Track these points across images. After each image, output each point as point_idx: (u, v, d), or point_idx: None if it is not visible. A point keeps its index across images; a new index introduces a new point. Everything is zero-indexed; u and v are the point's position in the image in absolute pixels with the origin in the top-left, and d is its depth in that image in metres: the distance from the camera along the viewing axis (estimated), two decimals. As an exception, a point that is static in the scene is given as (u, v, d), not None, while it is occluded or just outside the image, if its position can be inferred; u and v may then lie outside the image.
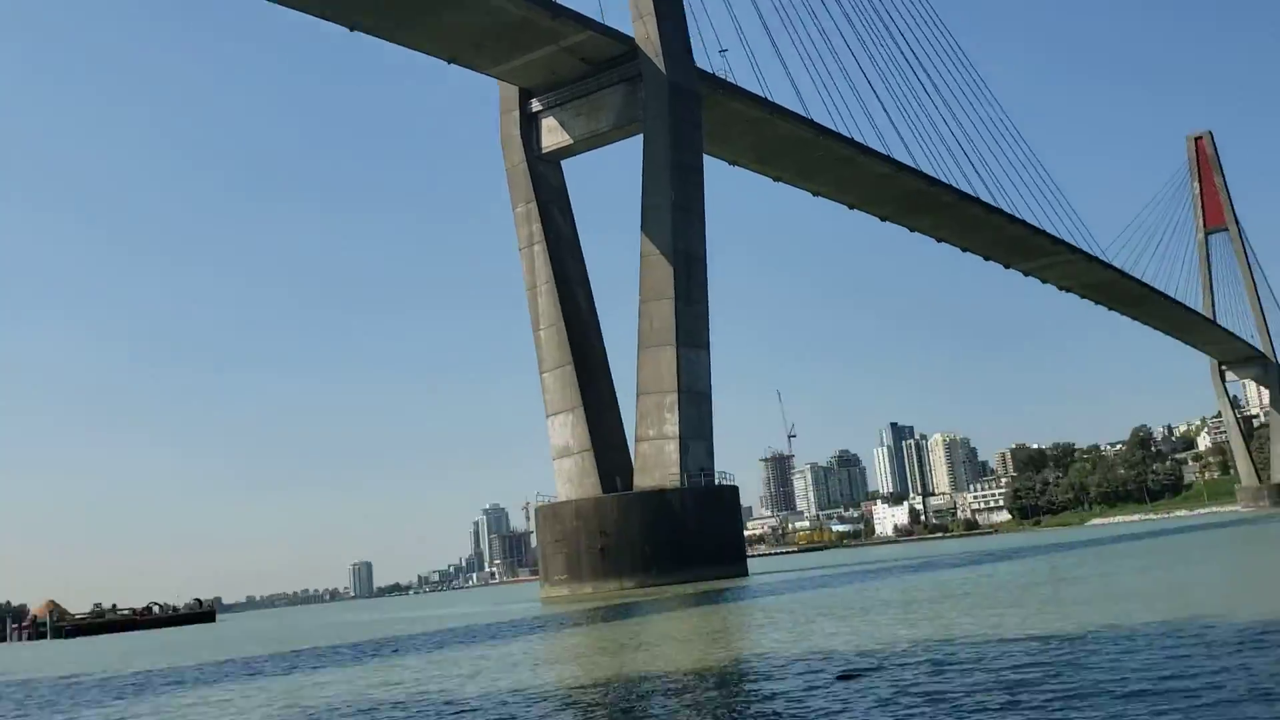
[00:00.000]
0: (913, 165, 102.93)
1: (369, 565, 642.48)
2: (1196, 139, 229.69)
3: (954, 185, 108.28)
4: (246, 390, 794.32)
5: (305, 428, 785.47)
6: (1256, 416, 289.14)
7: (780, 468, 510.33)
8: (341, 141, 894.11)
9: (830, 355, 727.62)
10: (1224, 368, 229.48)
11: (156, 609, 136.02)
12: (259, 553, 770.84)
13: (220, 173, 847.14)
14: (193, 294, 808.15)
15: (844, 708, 12.66)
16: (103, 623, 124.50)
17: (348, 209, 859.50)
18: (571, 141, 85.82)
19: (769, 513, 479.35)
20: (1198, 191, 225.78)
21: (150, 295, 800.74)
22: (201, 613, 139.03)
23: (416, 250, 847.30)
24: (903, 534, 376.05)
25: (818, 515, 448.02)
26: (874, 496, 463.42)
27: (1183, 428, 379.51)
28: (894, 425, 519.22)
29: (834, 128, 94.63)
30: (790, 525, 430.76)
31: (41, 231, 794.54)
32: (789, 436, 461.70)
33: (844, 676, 15.56)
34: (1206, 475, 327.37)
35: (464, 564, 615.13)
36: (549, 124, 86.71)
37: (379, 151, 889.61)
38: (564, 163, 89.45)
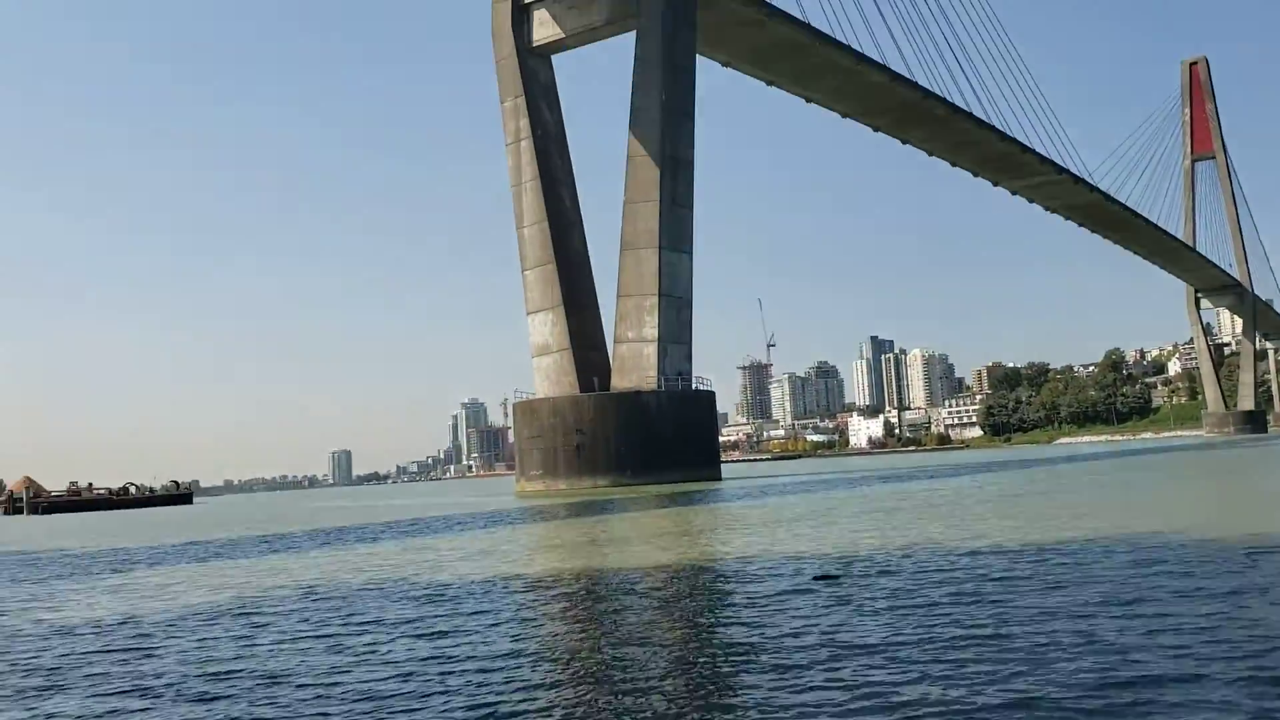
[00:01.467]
0: (908, 76, 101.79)
1: (348, 454, 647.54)
2: (1192, 64, 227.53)
3: (947, 99, 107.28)
4: (232, 276, 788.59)
5: (288, 316, 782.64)
6: (1228, 344, 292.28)
7: (758, 376, 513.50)
8: (333, 34, 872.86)
9: (814, 267, 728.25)
10: (1200, 295, 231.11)
11: (133, 489, 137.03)
12: (238, 437, 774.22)
13: (213, 62, 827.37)
14: (177, 179, 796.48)
15: (822, 609, 13.09)
16: (79, 501, 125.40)
17: (336, 100, 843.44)
18: (563, 36, 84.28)
19: (745, 420, 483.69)
20: (1188, 118, 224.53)
21: (138, 179, 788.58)
22: (178, 495, 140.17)
23: (405, 144, 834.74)
24: (876, 446, 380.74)
25: (793, 425, 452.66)
26: (850, 408, 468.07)
27: (1155, 352, 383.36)
28: (874, 339, 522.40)
29: (831, 34, 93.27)
30: (765, 433, 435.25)
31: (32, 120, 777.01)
32: (768, 345, 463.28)
33: (820, 578, 16.00)
34: (1175, 400, 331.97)
35: (442, 456, 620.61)
36: (541, 17, 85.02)
37: (371, 49, 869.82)
38: (554, 58, 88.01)
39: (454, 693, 9.37)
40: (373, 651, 11.72)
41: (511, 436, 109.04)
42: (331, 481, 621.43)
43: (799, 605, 13.24)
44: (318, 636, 13.07)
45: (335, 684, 10.05)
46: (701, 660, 10.26)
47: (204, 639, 13.44)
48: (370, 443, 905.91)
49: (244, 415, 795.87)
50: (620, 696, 8.85)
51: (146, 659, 12.17)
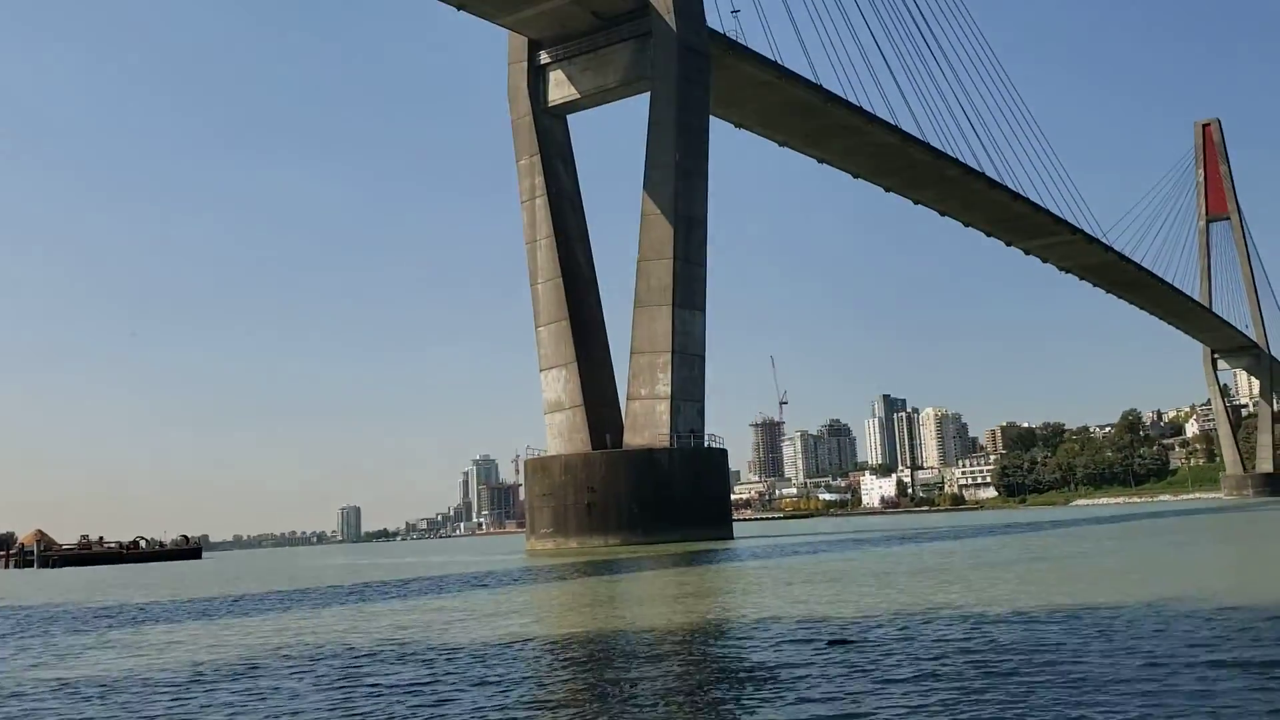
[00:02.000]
0: (919, 137, 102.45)
1: (358, 510, 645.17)
2: (1205, 126, 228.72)
3: (959, 159, 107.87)
4: (242, 329, 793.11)
5: (297, 370, 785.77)
6: (1245, 406, 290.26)
7: (770, 434, 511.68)
8: (348, 87, 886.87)
9: (827, 325, 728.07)
10: (1216, 356, 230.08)
11: (143, 544, 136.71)
12: (248, 494, 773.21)
13: (210, 116, 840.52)
14: (185, 241, 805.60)
15: (837, 674, 12.76)
16: (89, 554, 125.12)
17: (347, 156, 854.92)
18: (578, 96, 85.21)
19: (757, 478, 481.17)
20: (1202, 179, 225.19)
21: (138, 244, 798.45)
22: (188, 549, 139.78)
23: (417, 202, 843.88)
24: (889, 506, 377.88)
25: (805, 483, 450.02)
26: (862, 467, 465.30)
27: (1172, 414, 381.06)
28: (886, 397, 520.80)
29: (843, 95, 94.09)
30: (777, 491, 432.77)
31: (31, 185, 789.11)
32: (780, 403, 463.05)
33: (835, 643, 15.64)
34: (1192, 461, 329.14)
35: (452, 513, 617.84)
36: (557, 77, 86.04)
37: (385, 100, 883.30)
38: (570, 118, 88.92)
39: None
40: (373, 715, 11.42)
41: (522, 494, 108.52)
42: (340, 538, 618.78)
43: (813, 671, 12.89)
44: (319, 700, 12.78)
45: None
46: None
47: (204, 700, 13.16)
48: (379, 499, 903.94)
49: (253, 471, 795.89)
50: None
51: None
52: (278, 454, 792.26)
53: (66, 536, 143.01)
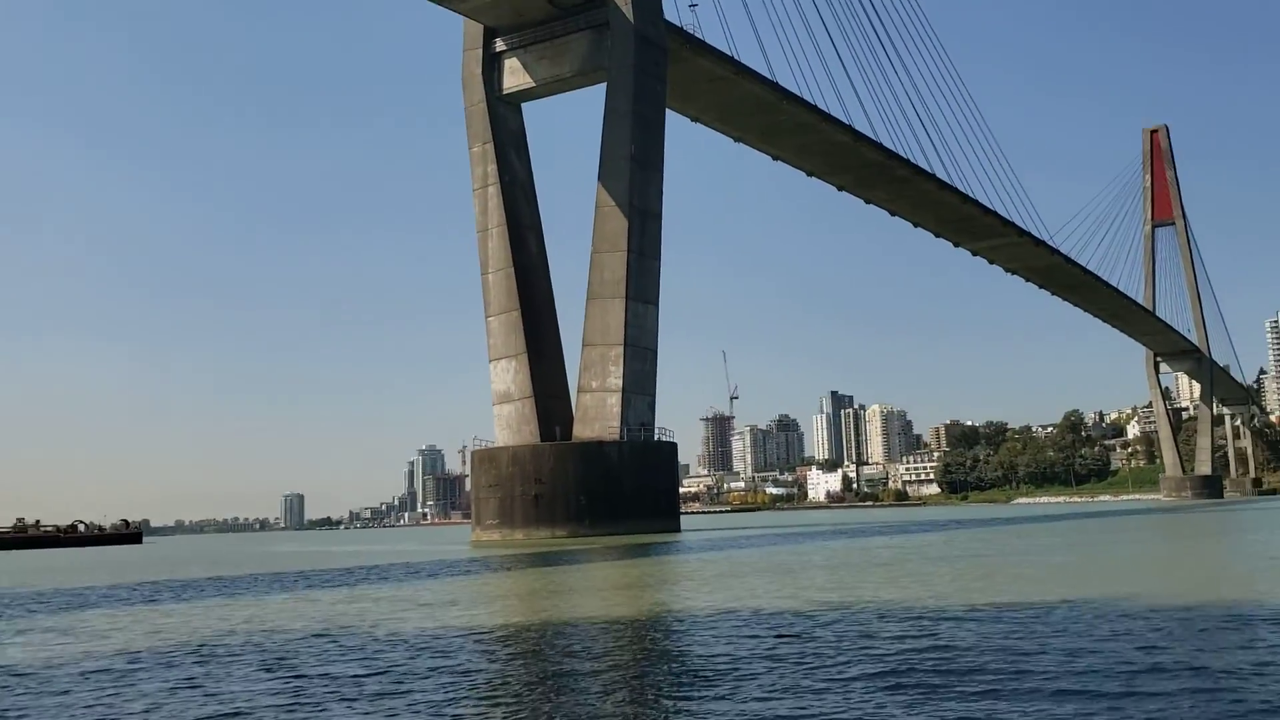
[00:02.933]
0: (872, 137, 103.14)
1: (301, 497, 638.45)
2: (1152, 132, 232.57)
3: (911, 160, 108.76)
4: (188, 313, 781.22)
5: (242, 355, 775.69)
6: (1186, 409, 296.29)
7: (720, 428, 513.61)
8: (301, 63, 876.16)
9: (777, 321, 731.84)
10: (1159, 359, 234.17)
11: (82, 527, 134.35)
12: (190, 478, 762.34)
13: (173, 82, 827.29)
14: (129, 216, 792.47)
15: (784, 668, 12.80)
16: (25, 538, 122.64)
17: (295, 133, 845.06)
18: (533, 85, 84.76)
19: (706, 472, 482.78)
20: (1149, 184, 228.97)
21: (100, 208, 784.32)
22: (128, 534, 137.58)
23: (368, 181, 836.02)
24: (834, 500, 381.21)
25: (753, 477, 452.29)
26: (809, 462, 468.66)
27: (1114, 415, 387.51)
28: (834, 394, 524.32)
29: (798, 93, 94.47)
30: (726, 485, 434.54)
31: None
32: (731, 398, 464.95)
33: (782, 636, 15.72)
34: (1133, 463, 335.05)
35: (397, 503, 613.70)
36: (512, 65, 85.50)
37: (337, 78, 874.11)
38: (526, 107, 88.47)
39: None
40: (308, 708, 11.28)
41: (469, 484, 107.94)
42: (283, 525, 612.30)
43: (761, 663, 12.93)
44: (255, 689, 12.60)
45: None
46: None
47: (139, 688, 12.92)
48: (323, 487, 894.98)
49: (196, 455, 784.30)
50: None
51: (65, 708, 11.66)
52: (222, 440, 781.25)
53: (1, 521, 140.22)
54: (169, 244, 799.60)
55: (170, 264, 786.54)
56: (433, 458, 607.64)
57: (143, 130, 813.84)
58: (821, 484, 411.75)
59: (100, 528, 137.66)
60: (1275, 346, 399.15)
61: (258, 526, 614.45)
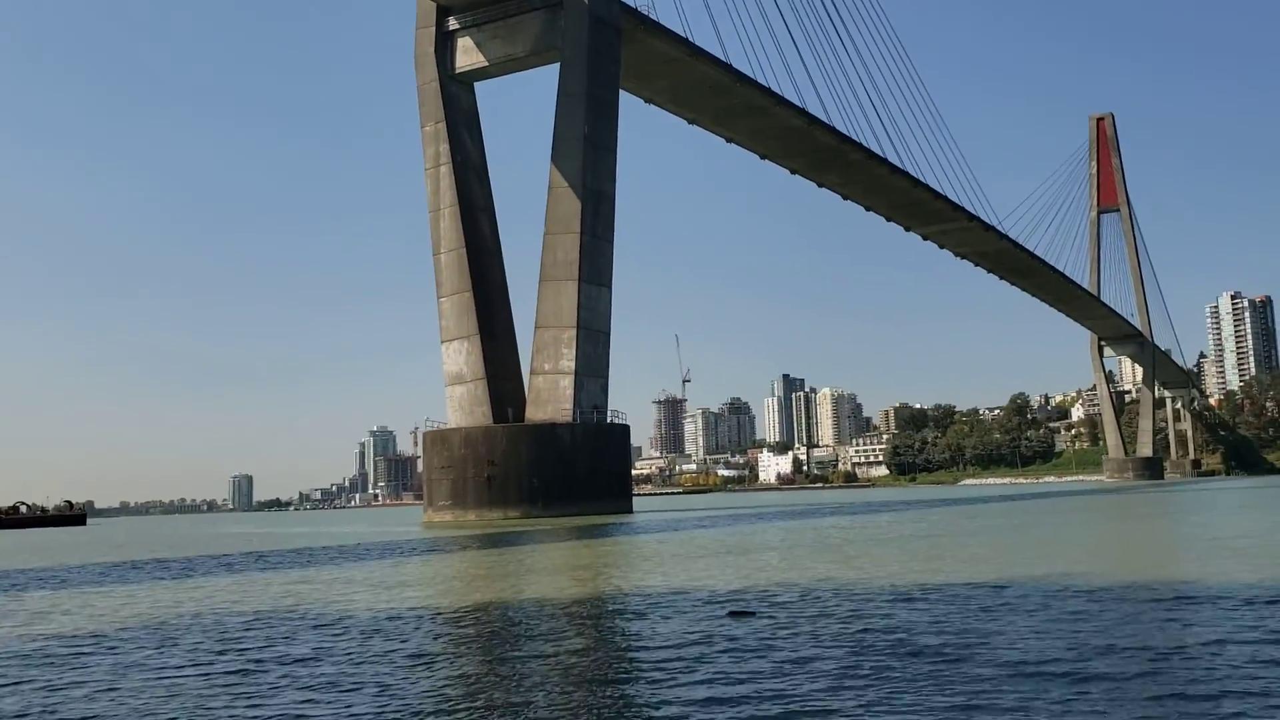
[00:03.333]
0: (826, 121, 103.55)
1: (249, 479, 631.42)
2: (1099, 119, 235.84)
3: (864, 144, 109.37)
4: (135, 295, 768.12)
5: (189, 335, 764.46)
6: (1129, 392, 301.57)
7: (673, 410, 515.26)
8: (249, 44, 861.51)
9: (730, 305, 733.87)
10: (1103, 343, 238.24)
11: (24, 509, 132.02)
12: (135, 459, 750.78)
13: (103, 71, 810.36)
14: (66, 202, 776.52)
15: (737, 647, 12.87)
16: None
17: (241, 112, 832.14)
18: (486, 64, 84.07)
19: (658, 454, 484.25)
20: (1094, 171, 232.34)
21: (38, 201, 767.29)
22: (72, 515, 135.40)
23: (315, 165, 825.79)
24: (785, 482, 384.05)
25: (705, 459, 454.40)
26: (761, 444, 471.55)
27: (1059, 398, 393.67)
28: (786, 377, 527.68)
29: (753, 76, 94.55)
30: (678, 467, 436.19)
31: None
32: (684, 381, 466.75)
33: (735, 614, 15.82)
34: (1077, 445, 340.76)
35: (348, 484, 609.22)
36: (465, 44, 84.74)
37: (283, 60, 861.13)
38: (479, 87, 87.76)
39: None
40: (256, 690, 11.18)
41: (421, 466, 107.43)
42: (231, 507, 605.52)
43: (715, 644, 13.00)
44: (194, 673, 12.46)
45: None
46: (611, 700, 9.95)
47: (76, 671, 12.72)
48: (272, 468, 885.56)
49: (142, 436, 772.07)
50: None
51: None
52: (168, 421, 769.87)
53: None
54: (107, 229, 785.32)
55: (112, 248, 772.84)
56: (384, 439, 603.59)
57: (73, 119, 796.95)
58: (773, 466, 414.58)
59: (43, 509, 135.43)
60: (1214, 331, 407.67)
61: (205, 508, 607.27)
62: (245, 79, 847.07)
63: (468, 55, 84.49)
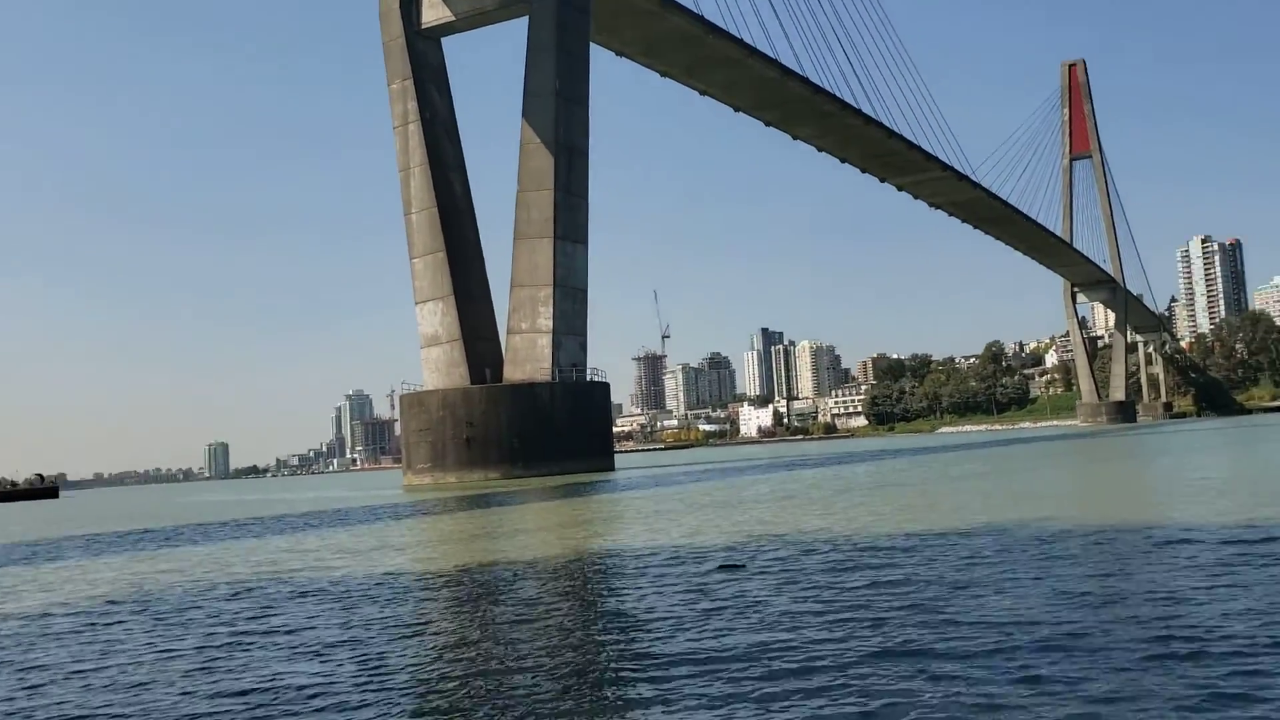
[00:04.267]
0: (799, 72, 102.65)
1: (225, 446, 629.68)
2: (1070, 66, 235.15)
3: (837, 95, 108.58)
4: (104, 253, 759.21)
5: (161, 299, 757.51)
6: (1101, 338, 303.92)
7: (653, 367, 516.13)
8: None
9: (708, 259, 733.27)
10: (1076, 290, 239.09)
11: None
12: (109, 427, 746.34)
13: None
14: (46, 151, 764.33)
15: (725, 601, 12.64)
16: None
17: (219, 61, 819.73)
18: (454, 18, 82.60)
19: (639, 410, 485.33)
20: (1067, 118, 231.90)
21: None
22: (43, 488, 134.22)
23: (286, 121, 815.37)
24: (766, 435, 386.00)
25: (686, 415, 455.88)
26: (741, 399, 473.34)
27: (1033, 345, 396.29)
28: (765, 330, 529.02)
29: (725, 27, 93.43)
30: (659, 423, 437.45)
31: None
32: (663, 337, 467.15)
33: (724, 568, 15.66)
34: (1051, 390, 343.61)
35: (325, 449, 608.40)
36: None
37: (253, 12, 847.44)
38: (445, 41, 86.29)
39: (334, 698, 8.62)
40: (244, 657, 10.85)
41: (398, 429, 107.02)
42: (207, 475, 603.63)
43: (706, 598, 12.76)
44: (180, 644, 12.12)
45: (196, 696, 9.19)
46: (605, 658, 9.68)
47: (47, 649, 12.36)
48: (248, 435, 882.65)
49: (115, 404, 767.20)
50: (507, 702, 8.23)
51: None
52: (140, 388, 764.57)
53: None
54: (88, 175, 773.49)
55: (83, 195, 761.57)
56: (360, 402, 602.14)
57: (49, 60, 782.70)
58: (753, 420, 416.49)
59: (13, 483, 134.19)
60: (1185, 275, 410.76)
61: (181, 477, 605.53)
62: (222, 33, 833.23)
63: (434, 10, 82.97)
